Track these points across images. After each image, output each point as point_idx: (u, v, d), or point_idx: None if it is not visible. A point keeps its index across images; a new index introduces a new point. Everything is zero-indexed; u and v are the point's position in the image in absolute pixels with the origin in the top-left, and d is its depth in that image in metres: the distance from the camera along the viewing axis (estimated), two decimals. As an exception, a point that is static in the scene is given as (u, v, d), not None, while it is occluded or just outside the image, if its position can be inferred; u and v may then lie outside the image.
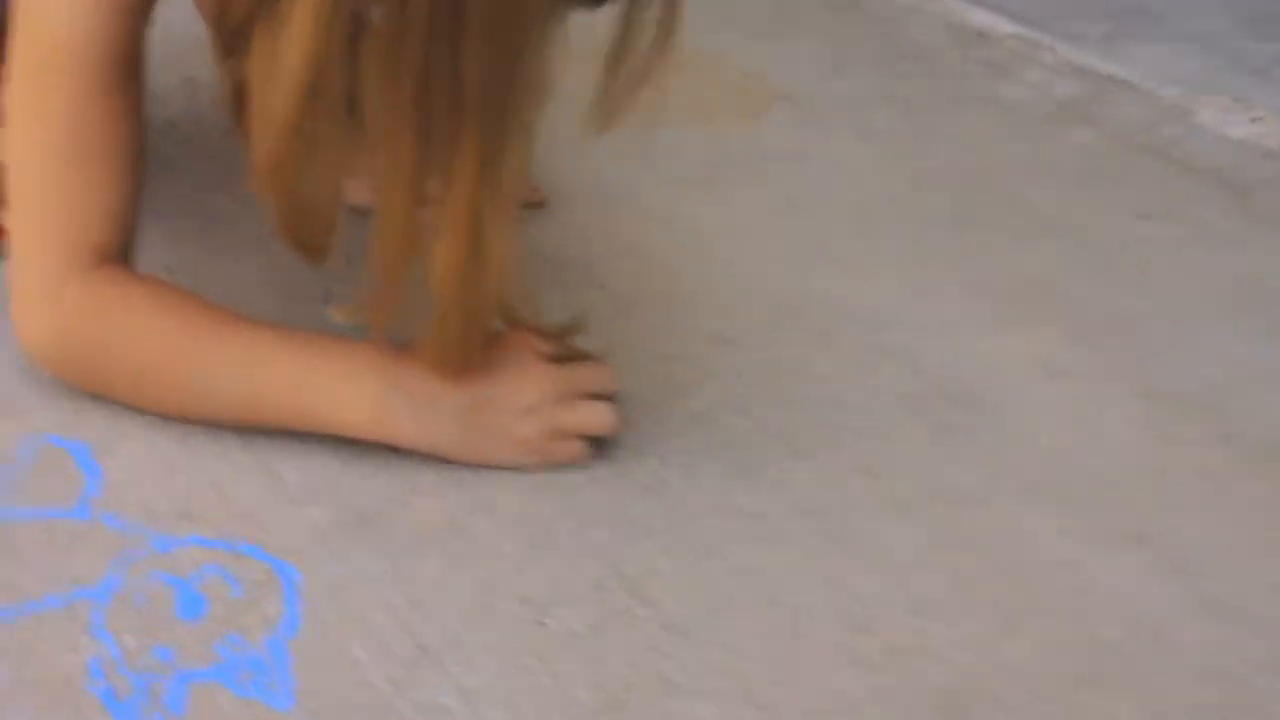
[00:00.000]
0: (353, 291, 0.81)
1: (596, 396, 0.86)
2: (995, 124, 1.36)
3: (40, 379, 0.86)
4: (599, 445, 0.86)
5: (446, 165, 0.71)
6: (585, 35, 0.73)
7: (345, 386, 0.82)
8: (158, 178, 0.97)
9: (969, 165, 1.28)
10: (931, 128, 1.34)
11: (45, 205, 0.82)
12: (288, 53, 0.69)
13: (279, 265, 0.97)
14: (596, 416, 0.85)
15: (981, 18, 1.58)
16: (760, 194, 1.19)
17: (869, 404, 0.94)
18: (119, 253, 0.84)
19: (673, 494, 0.84)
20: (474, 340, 0.81)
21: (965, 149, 1.31)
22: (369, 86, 0.70)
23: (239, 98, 0.75)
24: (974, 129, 1.35)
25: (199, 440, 0.84)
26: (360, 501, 0.81)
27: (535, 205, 1.11)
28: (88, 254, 0.82)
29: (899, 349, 1.00)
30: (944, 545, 0.82)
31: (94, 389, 0.85)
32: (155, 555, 0.76)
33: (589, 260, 1.06)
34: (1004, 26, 1.56)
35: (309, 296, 0.94)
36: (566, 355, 0.86)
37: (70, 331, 0.83)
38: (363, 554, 0.78)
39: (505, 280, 0.77)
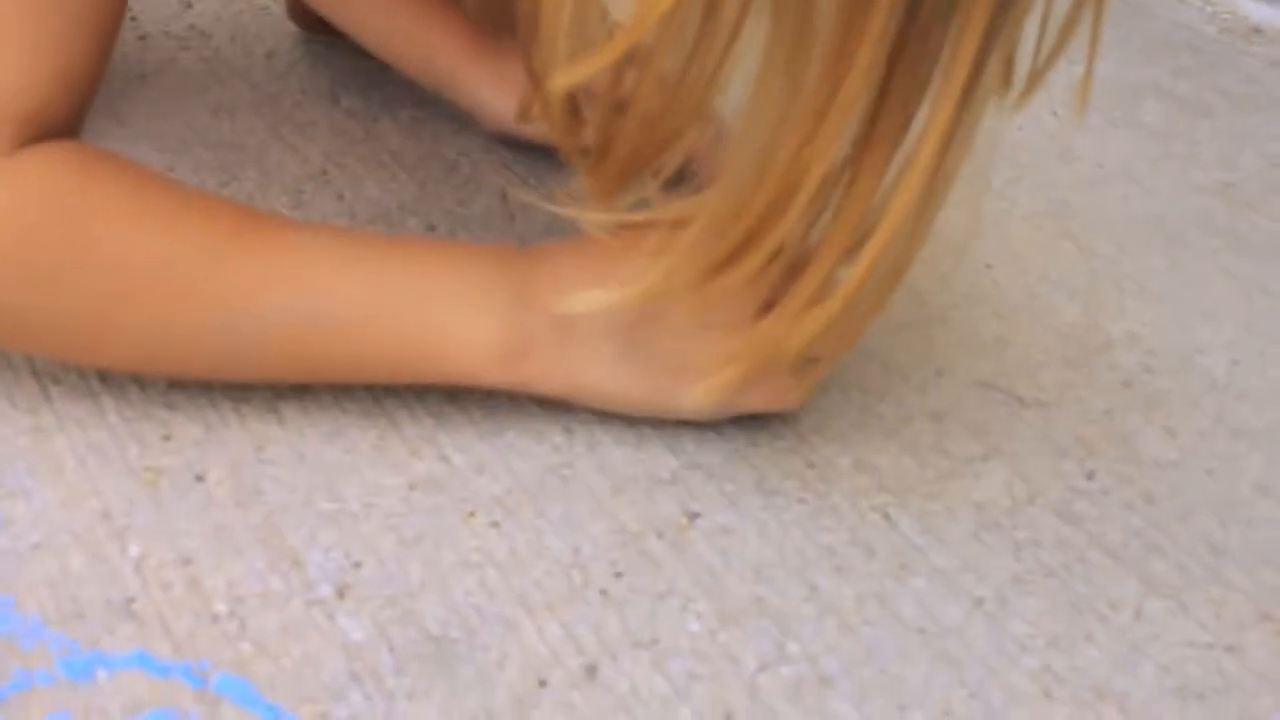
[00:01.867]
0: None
1: None
2: (1304, 136, 1.02)
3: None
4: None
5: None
6: None
7: (471, 305, 0.51)
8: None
9: (1288, 184, 0.93)
10: (1223, 133, 1.00)
11: None
12: None
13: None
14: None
15: (1257, 9, 1.25)
16: (1018, 197, 0.85)
17: (1239, 516, 0.60)
18: (66, 127, 0.53)
19: (979, 659, 0.50)
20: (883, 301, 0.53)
21: (1277, 165, 0.96)
22: None
23: None
24: (1278, 139, 1.00)
25: (172, 477, 0.52)
26: (441, 617, 0.48)
27: None
28: (17, 120, 0.50)
29: (1258, 431, 0.65)
30: None
31: (15, 337, 0.52)
32: (64, 684, 0.44)
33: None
34: (1287, 22, 1.23)
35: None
36: None
37: None
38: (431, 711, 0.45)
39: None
